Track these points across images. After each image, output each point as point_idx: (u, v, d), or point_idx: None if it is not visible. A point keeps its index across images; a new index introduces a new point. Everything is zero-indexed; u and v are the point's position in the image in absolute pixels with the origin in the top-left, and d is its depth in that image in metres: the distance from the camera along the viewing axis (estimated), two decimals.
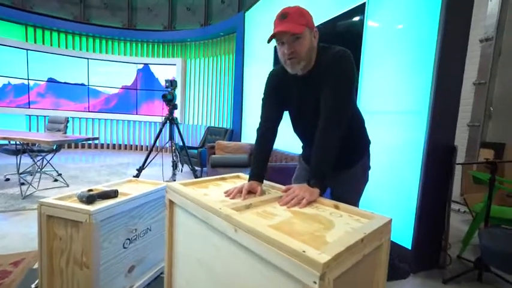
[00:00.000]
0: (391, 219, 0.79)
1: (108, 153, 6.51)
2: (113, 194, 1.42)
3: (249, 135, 4.42)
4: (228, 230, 0.76)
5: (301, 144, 1.39)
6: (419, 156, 1.78)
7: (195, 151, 4.48)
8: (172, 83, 3.24)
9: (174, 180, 3.62)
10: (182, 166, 4.61)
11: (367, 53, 2.17)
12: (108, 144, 7.04)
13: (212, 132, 5.08)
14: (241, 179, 1.31)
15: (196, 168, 3.75)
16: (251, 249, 0.68)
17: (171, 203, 1.07)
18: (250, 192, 1.01)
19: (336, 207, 0.90)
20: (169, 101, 3.20)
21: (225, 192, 1.03)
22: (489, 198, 1.75)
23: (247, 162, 3.60)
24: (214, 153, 3.65)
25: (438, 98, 1.70)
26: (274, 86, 1.16)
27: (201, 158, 4.31)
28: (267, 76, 1.21)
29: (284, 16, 0.97)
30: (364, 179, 1.27)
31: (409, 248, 1.85)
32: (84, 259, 1.22)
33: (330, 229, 0.73)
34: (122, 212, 1.36)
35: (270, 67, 3.67)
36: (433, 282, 1.74)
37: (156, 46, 6.77)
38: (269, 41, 1.02)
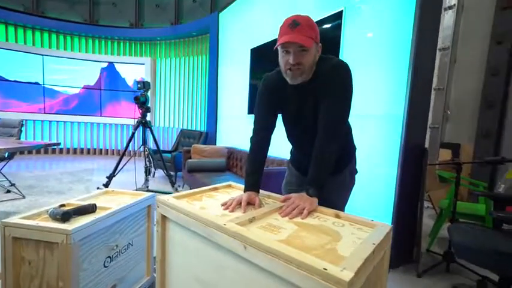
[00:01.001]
0: (391, 227, 0.82)
1: (68, 159, 5.99)
2: (91, 208, 1.29)
3: (225, 138, 4.36)
4: (236, 248, 0.73)
5: (290, 149, 1.40)
6: (395, 157, 1.89)
7: (169, 155, 4.31)
8: (145, 85, 3.07)
9: (147, 187, 3.44)
10: (155, 171, 4.41)
11: (345, 59, 2.26)
12: (68, 149, 6.48)
13: (186, 135, 4.92)
14: (234, 188, 1.28)
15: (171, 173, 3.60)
16: (264, 267, 0.66)
17: (164, 218, 1.01)
18: (249, 203, 0.99)
19: (337, 216, 0.92)
20: (142, 104, 3.03)
21: (222, 205, 0.99)
22: (455, 196, 1.92)
23: (225, 167, 3.55)
24: (190, 158, 3.54)
25: (412, 102, 1.82)
26: (270, 92, 1.13)
27: (176, 162, 4.15)
28: (262, 82, 1.17)
29: (295, 25, 0.94)
30: (352, 184, 1.32)
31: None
32: (60, 284, 1.09)
33: (338, 241, 0.74)
34: (102, 229, 1.25)
35: (246, 69, 3.66)
36: (409, 276, 1.86)
37: (122, 44, 6.38)
38: (275, 47, 1.00)
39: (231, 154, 3.65)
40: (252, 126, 1.18)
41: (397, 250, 1.93)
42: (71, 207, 1.26)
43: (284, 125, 1.26)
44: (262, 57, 3.42)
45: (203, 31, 5.27)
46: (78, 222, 1.16)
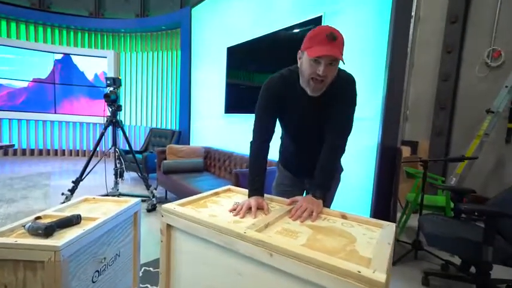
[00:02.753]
0: (396, 225, 0.90)
1: (17, 161, 5.32)
2: (76, 220, 1.18)
3: (200, 138, 4.26)
4: (259, 255, 0.73)
5: (279, 149, 1.42)
6: (373, 157, 2.04)
7: (140, 155, 4.08)
8: (115, 81, 2.86)
9: (118, 190, 3.22)
10: (124, 174, 4.14)
11: None
12: (15, 150, 5.75)
13: (157, 135, 4.69)
14: (234, 192, 1.27)
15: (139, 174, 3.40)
16: (292, 273, 0.68)
17: (169, 227, 0.97)
18: (257, 208, 1.00)
19: (343, 217, 0.97)
20: (113, 102, 2.82)
21: (231, 211, 0.98)
22: (422, 190, 2.14)
23: (203, 167, 3.47)
24: (165, 158, 3.39)
25: (388, 105, 1.97)
26: (276, 96, 1.12)
27: (147, 163, 3.95)
28: (266, 85, 1.14)
29: (333, 38, 0.93)
30: (338, 181, 1.39)
31: None
32: None
33: (354, 242, 0.78)
34: (90, 242, 1.15)
35: (223, 68, 3.60)
36: None
37: (79, 34, 5.82)
38: (308, 55, 0.96)
39: (208, 154, 3.59)
40: (247, 127, 1.18)
41: None
42: (52, 220, 1.14)
43: (283, 128, 1.28)
44: (240, 57, 3.40)
45: (174, 25, 5.05)
46: (64, 236, 1.05)
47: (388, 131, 2.02)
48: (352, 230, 0.87)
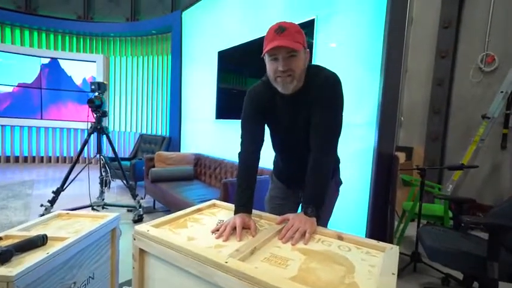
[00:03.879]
0: (398, 248, 0.80)
1: (0, 169, 5.10)
2: (40, 241, 1.05)
3: (190, 144, 4.13)
4: None
5: (273, 160, 1.33)
6: (368, 165, 1.95)
7: (128, 163, 3.93)
8: (100, 86, 2.73)
9: (103, 200, 3.06)
10: (111, 182, 3.97)
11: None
12: None
13: (146, 141, 4.55)
14: (219, 208, 1.15)
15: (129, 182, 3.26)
16: None
17: (142, 252, 0.85)
18: (243, 227, 0.88)
19: (339, 237, 0.86)
20: (97, 107, 2.69)
21: (213, 232, 0.87)
22: (420, 199, 2.05)
23: (193, 175, 3.34)
24: (153, 166, 3.25)
25: (384, 111, 1.89)
26: (258, 105, 1.06)
27: (135, 171, 3.80)
28: (249, 93, 1.09)
29: (281, 30, 0.89)
30: (337, 194, 1.30)
31: None
32: None
33: (353, 272, 0.68)
34: (56, 266, 1.02)
35: (214, 73, 3.51)
36: None
37: (67, 38, 5.67)
38: (263, 55, 0.93)
39: (198, 161, 3.46)
40: (237, 137, 1.09)
41: None
42: (14, 241, 1.01)
43: (271, 136, 1.19)
44: (231, 61, 3.31)
45: (164, 30, 4.95)
46: (23, 262, 0.92)
47: (384, 138, 1.93)
48: (349, 254, 0.76)
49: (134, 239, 0.85)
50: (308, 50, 0.98)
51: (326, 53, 2.24)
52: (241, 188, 0.99)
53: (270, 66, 0.95)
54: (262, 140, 1.08)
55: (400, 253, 2.24)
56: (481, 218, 1.83)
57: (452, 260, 1.46)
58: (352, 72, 2.05)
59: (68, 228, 1.25)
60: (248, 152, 1.05)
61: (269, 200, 1.32)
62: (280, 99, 1.03)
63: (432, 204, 2.55)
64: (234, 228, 0.86)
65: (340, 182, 1.31)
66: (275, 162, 1.32)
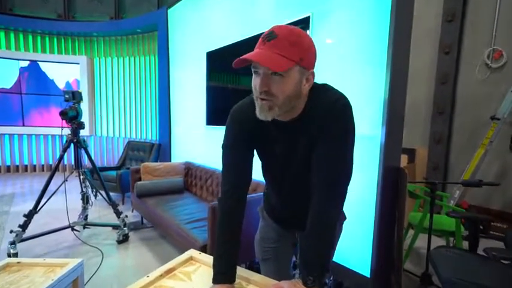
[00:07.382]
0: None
1: None
2: None
3: (181, 151, 3.88)
4: None
5: (263, 191, 1.10)
6: (374, 179, 1.74)
7: (114, 173, 3.68)
8: (74, 95, 2.46)
9: (86, 217, 2.81)
10: (96, 196, 3.72)
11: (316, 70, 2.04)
12: None
13: (134, 148, 4.29)
14: (196, 264, 0.93)
15: (113, 194, 3.02)
16: None
17: None
18: None
19: None
20: (72, 119, 2.43)
21: None
22: (431, 217, 1.85)
23: (183, 186, 3.11)
24: (139, 179, 3.01)
25: (389, 122, 1.68)
26: (244, 128, 0.81)
27: (122, 182, 3.55)
28: (230, 116, 0.85)
29: (269, 37, 0.65)
30: (340, 232, 1.09)
31: (368, 276, 1.80)
32: None
33: None
34: None
35: (203, 74, 3.25)
36: None
37: (47, 39, 5.33)
38: (235, 65, 0.68)
39: (189, 171, 3.22)
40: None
41: (378, 281, 1.79)
42: None
43: (263, 165, 0.95)
44: (220, 62, 3.05)
45: (150, 28, 4.65)
46: None
47: (391, 151, 1.72)
48: None
49: None
50: (312, 71, 0.74)
51: (323, 54, 2.00)
52: (221, 250, 0.76)
53: (252, 81, 0.72)
54: (249, 180, 0.85)
55: (408, 272, 2.07)
56: (507, 250, 1.64)
57: None
58: (351, 76, 1.83)
59: (15, 285, 1.01)
60: (232, 200, 0.81)
61: (260, 241, 1.09)
62: (274, 126, 0.78)
63: (441, 216, 2.35)
64: None
65: (344, 218, 1.10)
66: (266, 195, 1.08)
